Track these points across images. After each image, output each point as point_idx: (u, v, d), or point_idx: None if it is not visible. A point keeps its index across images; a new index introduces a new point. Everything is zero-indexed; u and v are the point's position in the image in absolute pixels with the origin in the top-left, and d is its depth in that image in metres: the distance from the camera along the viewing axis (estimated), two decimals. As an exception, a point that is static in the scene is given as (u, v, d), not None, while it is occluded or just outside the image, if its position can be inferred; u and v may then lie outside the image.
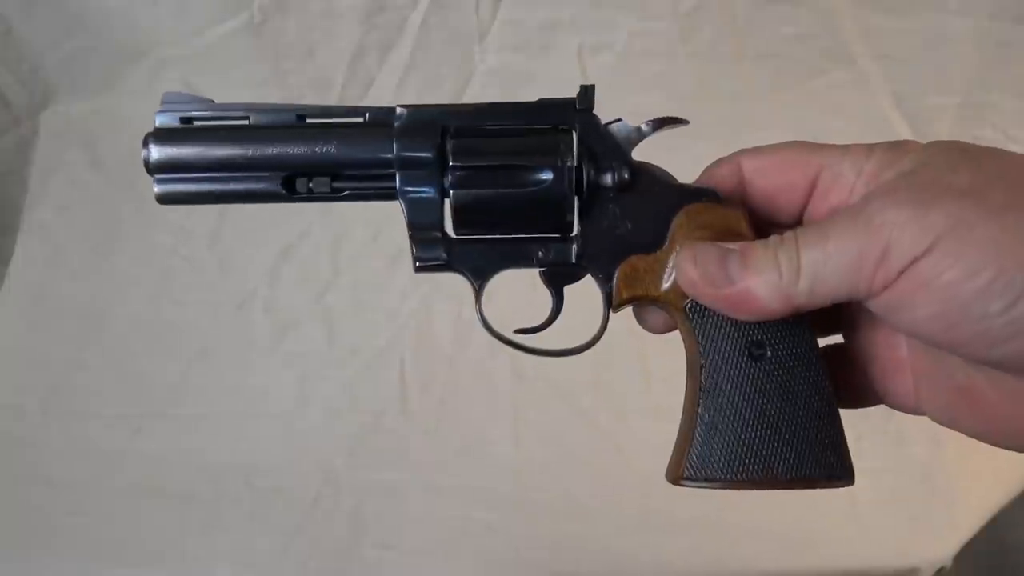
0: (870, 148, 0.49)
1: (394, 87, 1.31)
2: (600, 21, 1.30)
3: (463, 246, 0.52)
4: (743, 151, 0.53)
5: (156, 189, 0.52)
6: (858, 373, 0.52)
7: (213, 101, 0.53)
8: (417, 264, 0.53)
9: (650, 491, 1.05)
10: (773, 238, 0.47)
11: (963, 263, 0.40)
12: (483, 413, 1.17)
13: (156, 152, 0.51)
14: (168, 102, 0.53)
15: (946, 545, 1.06)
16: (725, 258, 0.47)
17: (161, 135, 0.52)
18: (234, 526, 1.10)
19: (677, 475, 0.51)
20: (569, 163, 0.50)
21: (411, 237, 0.52)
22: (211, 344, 1.24)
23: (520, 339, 0.55)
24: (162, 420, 1.19)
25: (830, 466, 0.49)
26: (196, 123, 0.53)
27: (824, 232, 0.45)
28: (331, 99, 1.33)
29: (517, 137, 0.51)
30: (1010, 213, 0.40)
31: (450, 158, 0.51)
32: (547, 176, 0.50)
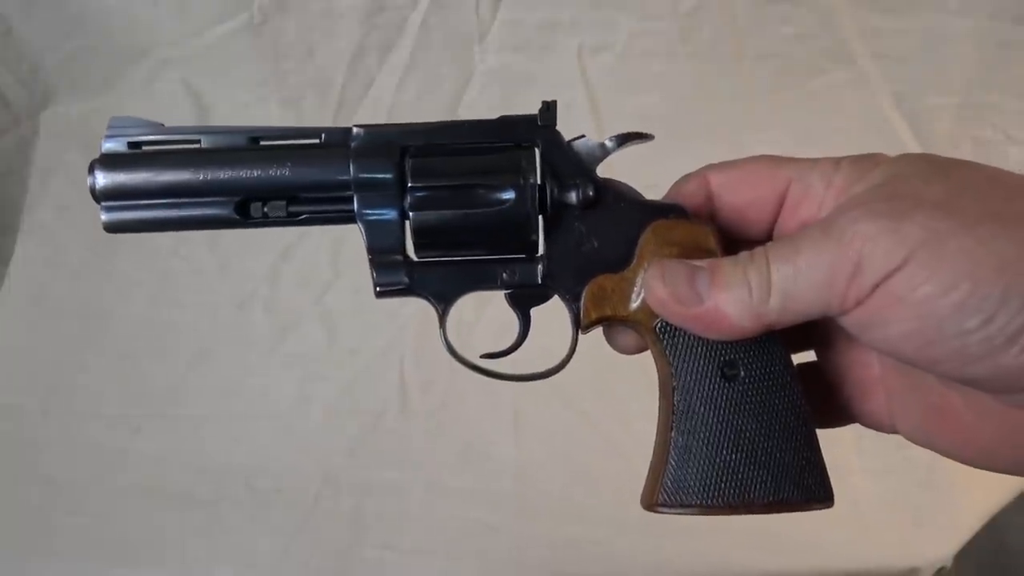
0: (838, 161, 0.48)
1: (394, 87, 1.31)
2: (600, 21, 1.30)
3: (425, 270, 0.51)
4: (710, 166, 0.52)
5: (104, 217, 0.50)
6: (831, 392, 0.51)
7: (163, 125, 0.52)
8: (378, 290, 0.51)
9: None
10: (743, 254, 0.46)
11: (938, 277, 0.39)
12: (483, 414, 1.17)
13: (102, 178, 0.49)
14: (115, 126, 0.51)
15: (946, 545, 1.06)
16: (694, 276, 0.46)
17: (108, 161, 0.50)
18: (234, 526, 1.10)
19: (651, 502, 0.49)
20: (532, 181, 0.49)
21: (371, 262, 0.50)
22: (211, 345, 1.24)
23: (486, 364, 0.53)
24: (162, 420, 1.19)
25: (808, 488, 0.48)
26: (145, 148, 0.51)
27: (795, 246, 0.43)
28: (331, 99, 1.33)
29: (478, 156, 0.50)
30: (982, 225, 0.39)
31: (409, 179, 0.49)
32: (509, 195, 0.49)
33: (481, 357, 0.54)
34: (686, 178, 0.52)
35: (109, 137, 0.51)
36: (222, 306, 1.27)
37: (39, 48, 1.34)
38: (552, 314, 0.53)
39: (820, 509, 0.48)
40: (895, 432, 0.50)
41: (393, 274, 0.51)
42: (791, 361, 0.49)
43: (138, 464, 1.15)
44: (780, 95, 1.31)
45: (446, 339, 0.53)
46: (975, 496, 1.07)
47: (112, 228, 0.51)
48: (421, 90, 1.31)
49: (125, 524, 1.10)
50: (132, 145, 0.51)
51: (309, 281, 1.28)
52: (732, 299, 0.45)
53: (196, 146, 0.51)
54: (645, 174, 0.56)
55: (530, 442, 1.15)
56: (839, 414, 0.52)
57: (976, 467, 0.47)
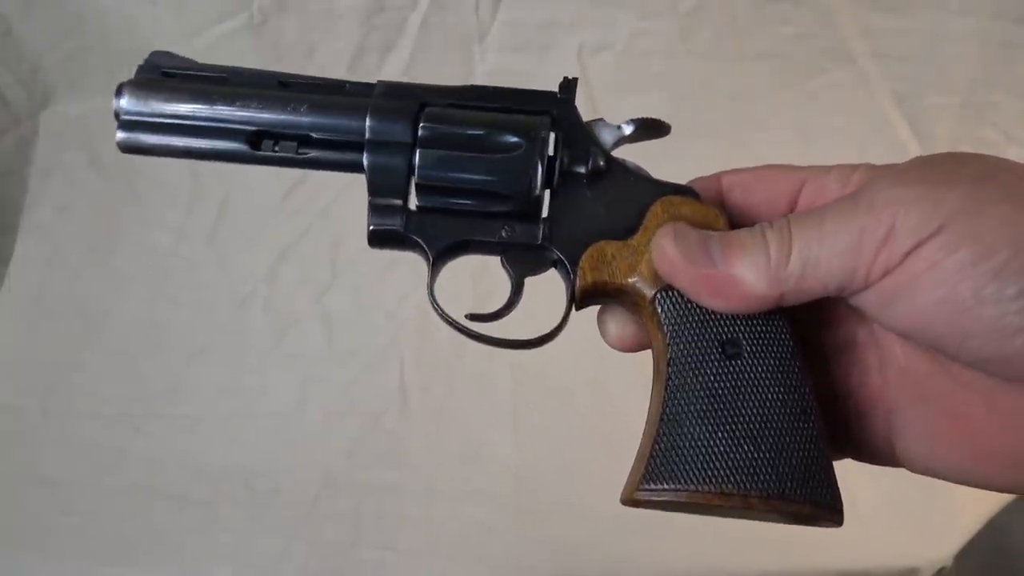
0: (855, 166, 0.46)
1: (394, 87, 1.31)
2: (600, 21, 1.30)
3: (422, 217, 0.50)
4: (723, 171, 0.51)
5: (119, 135, 0.51)
6: (828, 415, 0.47)
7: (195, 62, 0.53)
8: (371, 228, 0.50)
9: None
10: (761, 223, 0.43)
11: (977, 242, 0.37)
12: (483, 415, 1.17)
13: (127, 98, 0.51)
14: (151, 60, 0.53)
15: (946, 545, 1.06)
16: (707, 240, 0.44)
17: (135, 84, 0.52)
18: (233, 527, 1.10)
19: (634, 483, 0.45)
20: (543, 136, 0.49)
21: (369, 204, 0.50)
22: (210, 344, 1.24)
23: (473, 326, 0.52)
24: (161, 420, 1.19)
25: (814, 492, 0.43)
26: (175, 76, 0.52)
27: (820, 214, 0.41)
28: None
29: (494, 112, 0.50)
30: (1020, 196, 0.37)
31: (422, 120, 0.49)
32: (517, 141, 0.48)
33: (466, 316, 0.52)
34: (698, 179, 0.51)
35: (143, 68, 0.53)
36: (221, 306, 1.27)
37: (39, 48, 1.34)
38: (549, 295, 0.52)
39: (826, 524, 0.44)
40: (892, 460, 0.46)
41: (389, 216, 0.50)
42: (799, 348, 0.45)
43: (137, 464, 1.15)
44: (780, 95, 1.31)
45: (432, 294, 0.51)
46: (975, 496, 1.07)
47: (126, 147, 0.52)
48: (421, 90, 1.31)
49: (123, 524, 1.10)
50: (164, 74, 0.52)
51: (308, 281, 1.28)
52: (748, 263, 0.42)
53: (223, 78, 0.52)
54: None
55: (530, 442, 1.14)
56: (836, 440, 0.47)
57: (989, 487, 0.43)
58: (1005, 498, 1.07)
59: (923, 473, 0.45)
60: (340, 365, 1.22)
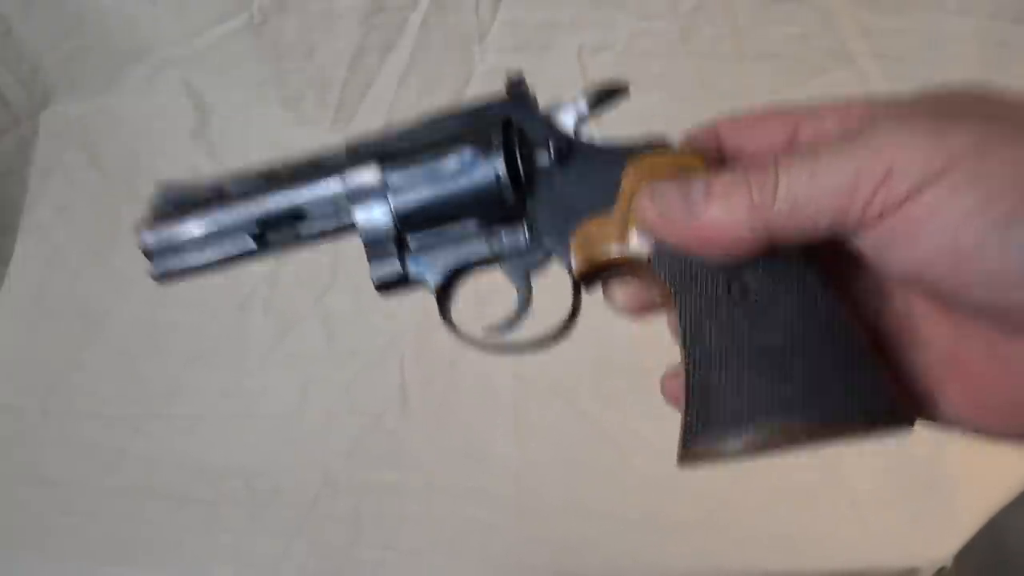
0: (853, 103, 0.44)
1: (394, 87, 1.31)
2: (600, 21, 1.30)
3: (417, 256, 0.53)
4: (721, 120, 0.49)
5: (152, 271, 0.57)
6: None
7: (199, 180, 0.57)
8: (376, 283, 0.53)
9: (651, 492, 1.05)
10: (744, 164, 0.42)
11: (984, 186, 0.34)
12: (483, 414, 1.17)
13: (150, 237, 0.56)
14: (160, 194, 0.58)
15: (946, 545, 1.06)
16: (688, 189, 0.42)
17: (153, 222, 0.57)
18: (233, 527, 1.10)
19: (682, 455, 0.44)
20: (495, 142, 0.49)
21: (367, 255, 0.52)
22: (210, 345, 1.24)
23: (495, 339, 0.53)
24: (161, 420, 1.19)
25: (864, 405, 0.40)
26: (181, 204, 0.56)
27: (815, 152, 0.38)
28: (331, 99, 1.33)
29: (447, 137, 0.51)
30: None
31: (385, 172, 0.51)
32: (473, 157, 0.50)
33: (484, 330, 0.53)
34: (695, 130, 0.50)
35: (156, 204, 0.58)
36: (222, 306, 1.27)
37: (39, 48, 1.34)
38: (556, 289, 0.52)
39: (892, 432, 0.41)
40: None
41: (388, 264, 0.52)
42: (815, 262, 0.43)
43: (137, 464, 1.15)
44: (780, 95, 1.31)
45: (450, 322, 0.53)
46: (975, 496, 1.07)
47: (160, 277, 0.57)
48: (421, 90, 1.31)
49: (123, 524, 1.10)
50: (172, 204, 0.57)
51: (309, 282, 1.28)
52: (730, 206, 0.40)
53: (220, 188, 0.56)
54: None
55: (530, 442, 1.14)
56: None
57: (988, 436, 0.42)
58: (1005, 498, 1.07)
59: (922, 418, 0.43)
60: (340, 365, 1.22)
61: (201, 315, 1.26)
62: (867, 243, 0.38)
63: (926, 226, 0.36)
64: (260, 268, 1.29)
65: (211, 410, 1.19)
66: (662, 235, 0.44)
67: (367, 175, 0.52)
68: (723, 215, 0.40)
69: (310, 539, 1.09)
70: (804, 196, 0.38)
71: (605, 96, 0.52)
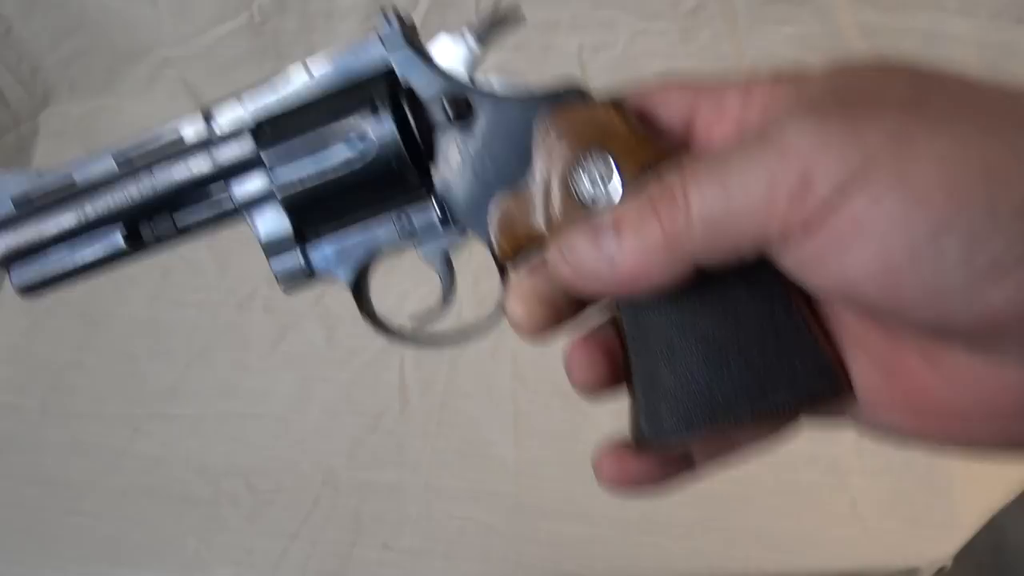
0: (754, 80, 0.41)
1: (394, 87, 1.31)
2: (600, 21, 1.30)
3: (318, 246, 0.46)
4: (640, 90, 0.44)
5: (13, 281, 0.48)
6: None
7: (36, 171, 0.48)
8: (276, 274, 0.47)
9: (650, 491, 1.05)
10: (650, 184, 0.37)
11: (906, 186, 0.30)
12: (483, 414, 1.17)
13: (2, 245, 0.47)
14: None
15: (946, 545, 1.06)
16: (597, 237, 0.37)
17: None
18: (233, 527, 1.10)
19: (632, 442, 0.43)
20: (382, 109, 0.42)
21: (265, 253, 0.46)
22: (211, 344, 1.24)
23: (412, 330, 0.47)
24: (161, 420, 1.19)
25: (806, 382, 0.38)
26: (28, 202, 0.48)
27: (722, 161, 0.34)
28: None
29: (324, 103, 0.43)
30: (960, 124, 0.31)
31: (258, 140, 0.44)
32: (364, 131, 0.42)
33: (409, 319, 0.48)
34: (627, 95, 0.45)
35: None
36: (222, 306, 1.27)
37: (39, 48, 1.34)
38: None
39: (833, 402, 0.39)
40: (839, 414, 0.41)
41: (288, 255, 0.46)
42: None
43: (137, 464, 1.15)
44: (780, 95, 1.31)
45: (368, 313, 0.48)
46: (975, 496, 1.07)
47: (22, 289, 0.49)
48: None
49: (124, 524, 1.10)
50: (17, 202, 0.47)
51: (309, 281, 1.28)
52: (643, 247, 0.36)
53: (70, 182, 0.47)
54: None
55: (530, 442, 1.14)
56: None
57: (933, 446, 0.39)
58: (1005, 497, 1.07)
59: (866, 427, 0.40)
60: (340, 365, 1.22)
61: (201, 315, 1.26)
62: (794, 259, 0.34)
63: (852, 242, 0.31)
64: (260, 268, 1.28)
65: (211, 410, 1.19)
66: (585, 291, 0.39)
67: (238, 148, 0.44)
68: (640, 255, 0.36)
69: (310, 538, 1.09)
70: (720, 214, 0.34)
71: (495, 26, 0.45)
